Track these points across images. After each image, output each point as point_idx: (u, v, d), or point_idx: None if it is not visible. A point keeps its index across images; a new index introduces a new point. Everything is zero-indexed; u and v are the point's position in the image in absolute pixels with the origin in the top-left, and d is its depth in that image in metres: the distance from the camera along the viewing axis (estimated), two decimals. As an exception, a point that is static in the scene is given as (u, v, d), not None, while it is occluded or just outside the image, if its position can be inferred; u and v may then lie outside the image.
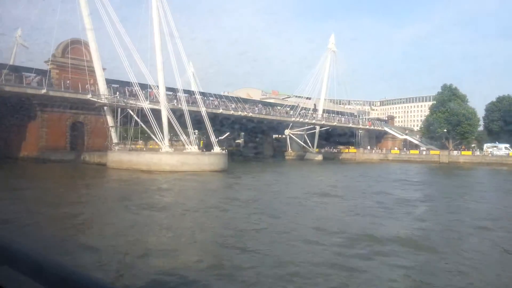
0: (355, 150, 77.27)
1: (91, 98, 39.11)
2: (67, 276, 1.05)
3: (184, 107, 35.90)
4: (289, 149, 75.55)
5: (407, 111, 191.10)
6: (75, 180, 27.57)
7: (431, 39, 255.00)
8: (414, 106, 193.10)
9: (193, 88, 52.09)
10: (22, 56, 52.32)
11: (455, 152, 67.39)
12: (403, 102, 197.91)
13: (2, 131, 49.06)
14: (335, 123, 70.30)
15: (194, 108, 45.54)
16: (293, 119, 62.22)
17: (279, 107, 69.29)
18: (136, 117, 37.40)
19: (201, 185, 25.68)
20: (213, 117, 59.25)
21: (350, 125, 73.65)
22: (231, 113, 52.27)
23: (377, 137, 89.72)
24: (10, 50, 53.30)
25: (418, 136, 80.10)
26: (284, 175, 37.49)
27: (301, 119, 63.28)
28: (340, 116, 73.59)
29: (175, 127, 34.95)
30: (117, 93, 38.76)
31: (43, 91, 36.24)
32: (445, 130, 65.99)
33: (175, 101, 43.83)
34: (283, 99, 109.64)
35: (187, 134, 38.35)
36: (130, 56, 36.68)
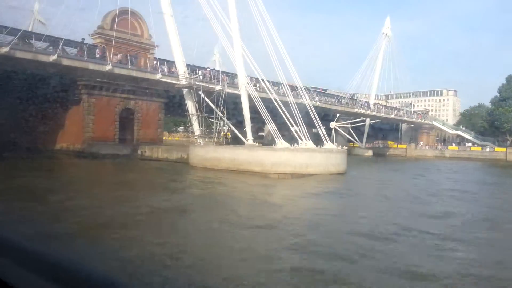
0: (405, 146, 71.22)
1: (162, 79, 31.36)
2: (66, 267, 1.03)
3: (290, 98, 28.81)
4: (334, 143, 68.66)
5: (414, 105, 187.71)
6: (190, 191, 20.15)
7: (429, 35, 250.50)
8: (420, 100, 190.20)
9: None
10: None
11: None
12: (409, 96, 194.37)
13: (32, 117, 40.87)
14: (392, 116, 63.96)
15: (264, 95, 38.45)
16: (356, 110, 55.42)
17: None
18: (210, 103, 30.04)
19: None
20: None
21: (405, 118, 67.52)
22: (300, 101, 45.16)
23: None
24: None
25: (473, 132, 74.33)
26: (403, 172, 30.83)
27: (363, 111, 56.54)
28: (392, 109, 67.32)
29: (296, 119, 27.80)
30: (200, 72, 31.13)
31: (108, 67, 28.36)
32: (513, 126, 60.29)
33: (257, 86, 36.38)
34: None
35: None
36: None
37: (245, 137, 32.94)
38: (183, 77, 29.72)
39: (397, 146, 71.70)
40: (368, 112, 57.61)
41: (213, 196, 17.23)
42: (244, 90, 33.32)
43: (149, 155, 35.00)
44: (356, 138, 68.13)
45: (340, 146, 30.80)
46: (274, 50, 31.35)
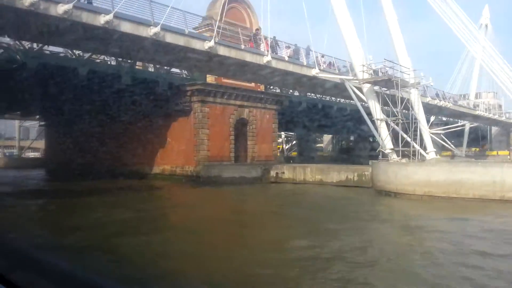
0: (506, 152, 62.13)
1: (320, 75, 23.18)
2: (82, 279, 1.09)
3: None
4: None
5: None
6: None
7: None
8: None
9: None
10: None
11: None
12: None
13: (125, 134, 33.16)
14: (502, 118, 55.46)
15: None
16: (477, 112, 46.83)
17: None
18: (384, 102, 21.93)
19: None
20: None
21: (512, 120, 58.98)
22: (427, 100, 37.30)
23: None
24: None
25: None
26: None
27: (484, 113, 47.91)
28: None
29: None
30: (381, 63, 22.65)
31: (266, 58, 20.26)
32: None
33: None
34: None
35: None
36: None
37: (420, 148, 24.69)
38: (366, 68, 21.42)
39: (497, 153, 62.64)
40: (485, 114, 48.82)
41: None
42: (416, 87, 25.19)
43: (289, 177, 26.65)
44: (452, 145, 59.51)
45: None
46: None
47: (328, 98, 40.81)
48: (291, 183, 26.03)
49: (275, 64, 21.34)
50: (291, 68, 22.37)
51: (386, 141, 21.67)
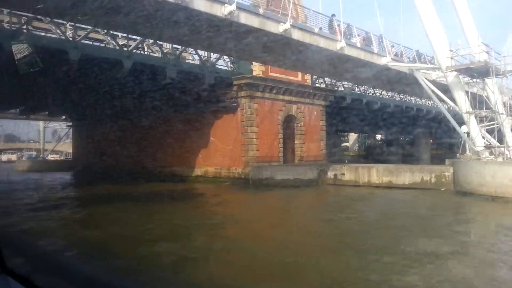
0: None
1: (390, 64, 20.59)
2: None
3: None
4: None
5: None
6: None
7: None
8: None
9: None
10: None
11: None
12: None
13: (159, 133, 30.98)
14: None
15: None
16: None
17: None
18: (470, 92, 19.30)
19: None
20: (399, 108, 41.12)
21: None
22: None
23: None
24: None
25: None
26: None
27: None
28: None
29: None
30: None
31: (340, 44, 17.73)
32: None
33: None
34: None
35: None
36: None
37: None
38: (453, 54, 18.81)
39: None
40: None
41: None
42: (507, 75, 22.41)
43: (350, 178, 24.05)
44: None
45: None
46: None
47: (371, 93, 38.40)
48: (353, 186, 23.46)
49: (347, 51, 18.79)
50: (362, 56, 19.79)
51: (477, 138, 19.06)
